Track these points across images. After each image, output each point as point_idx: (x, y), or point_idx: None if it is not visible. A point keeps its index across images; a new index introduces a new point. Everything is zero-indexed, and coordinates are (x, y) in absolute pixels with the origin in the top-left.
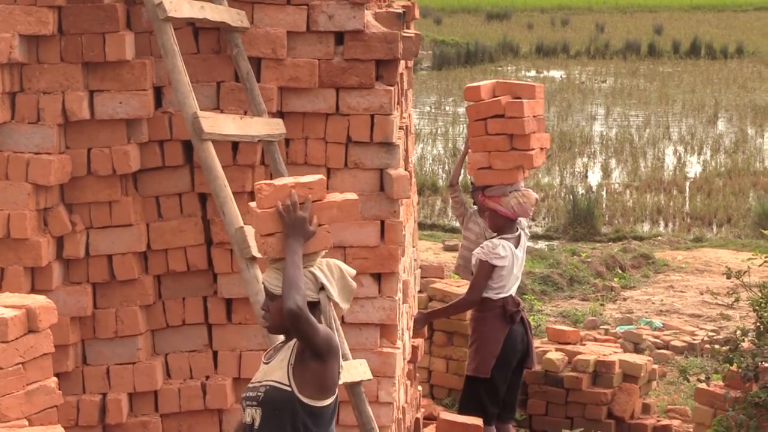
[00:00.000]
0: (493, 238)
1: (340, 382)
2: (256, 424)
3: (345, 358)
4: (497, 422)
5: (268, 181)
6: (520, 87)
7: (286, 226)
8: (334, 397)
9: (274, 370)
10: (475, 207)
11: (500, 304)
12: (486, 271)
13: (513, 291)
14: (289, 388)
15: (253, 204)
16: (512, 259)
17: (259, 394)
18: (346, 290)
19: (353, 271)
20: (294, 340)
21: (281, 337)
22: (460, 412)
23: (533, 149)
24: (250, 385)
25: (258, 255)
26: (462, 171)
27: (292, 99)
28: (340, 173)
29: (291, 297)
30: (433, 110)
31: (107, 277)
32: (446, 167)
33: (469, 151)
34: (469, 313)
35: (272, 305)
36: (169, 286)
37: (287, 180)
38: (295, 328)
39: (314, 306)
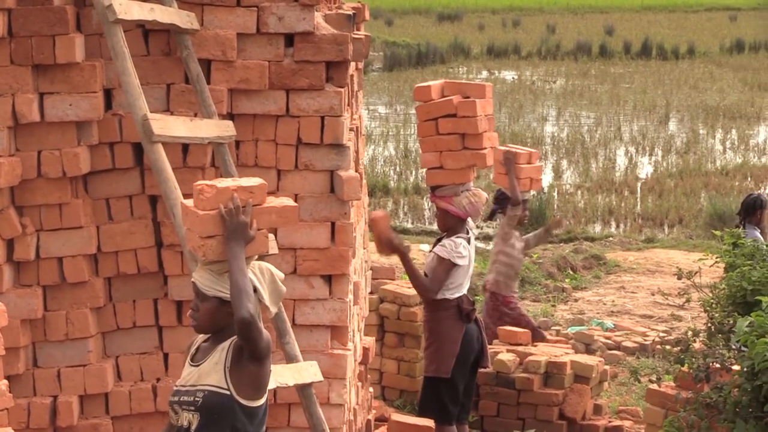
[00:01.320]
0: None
1: (291, 384)
2: (193, 428)
3: (295, 360)
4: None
5: (209, 183)
6: (469, 86)
7: (228, 230)
8: (266, 395)
9: (209, 373)
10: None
11: (455, 303)
12: (447, 269)
13: (465, 290)
14: (228, 392)
15: (188, 202)
16: (470, 258)
17: (197, 399)
18: (276, 294)
19: (282, 275)
20: (227, 342)
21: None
22: (420, 414)
23: (485, 148)
24: (181, 388)
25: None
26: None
27: (243, 101)
28: (291, 175)
29: (244, 305)
30: (384, 112)
31: (58, 279)
32: (397, 168)
33: (420, 152)
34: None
35: (202, 306)
36: (120, 289)
37: (228, 182)
38: (246, 335)
39: None
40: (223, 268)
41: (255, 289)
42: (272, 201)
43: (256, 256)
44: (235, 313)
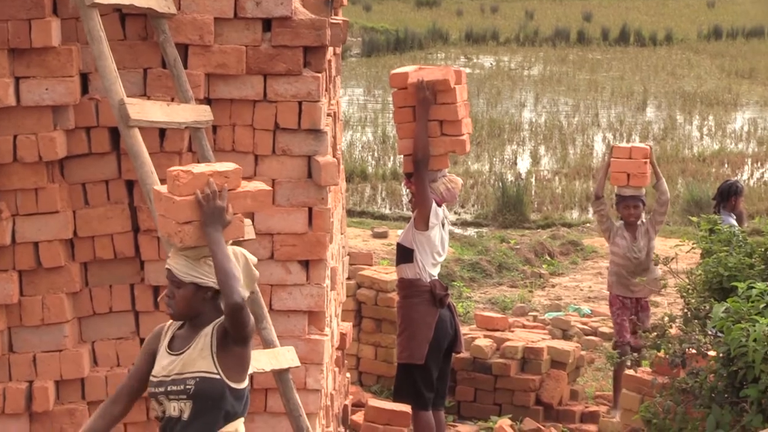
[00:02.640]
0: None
1: (268, 369)
2: (185, 416)
3: (272, 345)
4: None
5: (184, 168)
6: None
7: (206, 215)
8: (248, 376)
9: (196, 360)
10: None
11: (428, 288)
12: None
13: (436, 273)
14: (218, 376)
15: (161, 188)
16: (440, 234)
17: (188, 387)
18: (250, 278)
19: (255, 259)
20: (210, 327)
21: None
22: (395, 399)
23: (464, 134)
24: (165, 378)
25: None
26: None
27: (220, 86)
28: (268, 160)
29: (235, 290)
30: (362, 97)
31: (33, 264)
32: (375, 154)
33: (397, 138)
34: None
35: (178, 292)
36: (96, 274)
37: (203, 168)
38: (237, 319)
39: (219, 293)
40: (200, 253)
41: None
42: (246, 185)
43: (231, 241)
44: (226, 299)
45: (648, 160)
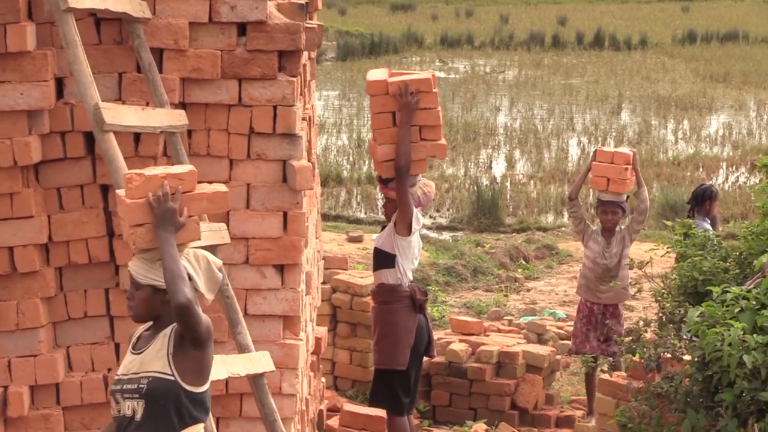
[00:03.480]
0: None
1: (243, 374)
2: (138, 416)
3: (247, 350)
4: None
5: (138, 171)
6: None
7: (156, 217)
8: (209, 381)
9: (152, 360)
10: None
11: (409, 293)
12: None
13: (412, 278)
14: (172, 377)
15: (120, 192)
16: (417, 238)
17: (141, 386)
18: (212, 281)
19: (220, 262)
20: (169, 329)
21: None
22: (372, 404)
23: (443, 138)
24: (123, 377)
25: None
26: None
27: (195, 90)
28: (243, 164)
29: (180, 290)
30: (337, 101)
31: (8, 269)
32: (351, 158)
33: (375, 144)
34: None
35: (137, 294)
36: (71, 278)
37: (158, 170)
38: (184, 320)
39: None
40: (156, 256)
41: (189, 277)
42: (204, 187)
43: (190, 244)
44: (171, 299)
45: (630, 167)
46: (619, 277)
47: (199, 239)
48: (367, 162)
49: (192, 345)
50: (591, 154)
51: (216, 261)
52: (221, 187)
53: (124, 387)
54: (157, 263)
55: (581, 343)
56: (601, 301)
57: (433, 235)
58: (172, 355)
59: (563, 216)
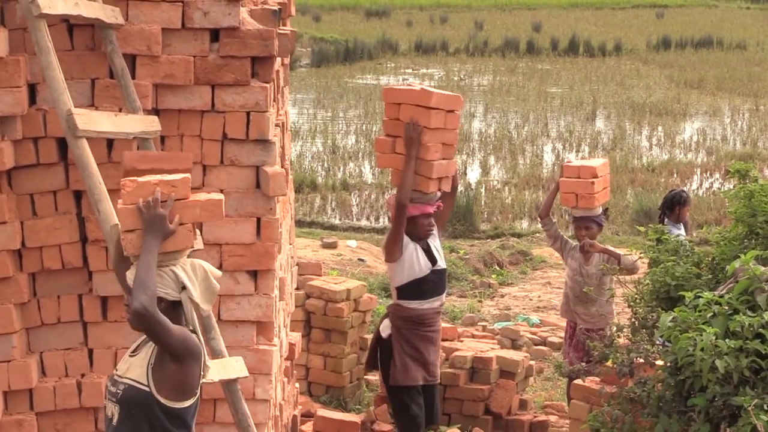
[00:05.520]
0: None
1: (216, 380)
2: (115, 420)
3: (221, 356)
4: None
5: (132, 178)
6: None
7: (145, 222)
8: (195, 398)
9: (135, 367)
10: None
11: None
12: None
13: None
14: (147, 389)
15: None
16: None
17: (119, 391)
18: (208, 291)
19: (219, 273)
20: None
21: None
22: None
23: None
24: (114, 376)
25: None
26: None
27: (168, 96)
28: (216, 170)
29: (137, 297)
30: (312, 107)
31: None
32: (325, 164)
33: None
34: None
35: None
36: (44, 284)
37: (152, 177)
38: (144, 328)
39: (177, 305)
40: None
41: (184, 286)
42: (199, 195)
43: (188, 252)
44: (130, 305)
45: (598, 179)
46: (598, 303)
47: (192, 247)
48: (341, 168)
49: (170, 359)
50: (560, 166)
51: (215, 272)
52: (217, 195)
53: (110, 388)
54: None
55: (567, 365)
56: (580, 324)
57: None
58: (151, 367)
59: (537, 222)
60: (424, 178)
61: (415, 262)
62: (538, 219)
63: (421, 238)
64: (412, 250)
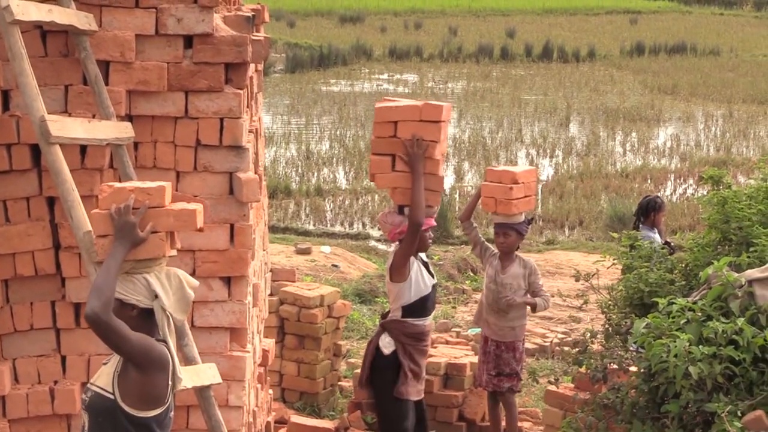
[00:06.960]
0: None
1: (189, 386)
2: (86, 427)
3: (194, 362)
4: None
5: (111, 183)
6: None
7: (115, 228)
8: (163, 408)
9: (104, 375)
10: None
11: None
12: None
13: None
14: (111, 396)
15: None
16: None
17: (86, 398)
18: (183, 301)
19: (196, 283)
20: None
21: None
22: None
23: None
24: (88, 384)
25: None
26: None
27: (141, 102)
28: (190, 176)
29: (90, 302)
30: (286, 113)
31: None
32: (299, 170)
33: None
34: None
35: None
36: (17, 291)
37: (131, 184)
38: (97, 334)
39: (149, 314)
40: (122, 268)
41: (156, 295)
42: (175, 204)
43: (163, 260)
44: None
45: (518, 186)
46: (509, 316)
47: (165, 256)
48: (315, 174)
49: (133, 367)
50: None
51: (191, 281)
52: (195, 205)
53: (83, 396)
54: (124, 277)
55: (479, 376)
56: (488, 334)
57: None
58: (117, 375)
59: None
60: (434, 193)
61: (420, 280)
62: (460, 223)
63: (420, 250)
64: (417, 268)
